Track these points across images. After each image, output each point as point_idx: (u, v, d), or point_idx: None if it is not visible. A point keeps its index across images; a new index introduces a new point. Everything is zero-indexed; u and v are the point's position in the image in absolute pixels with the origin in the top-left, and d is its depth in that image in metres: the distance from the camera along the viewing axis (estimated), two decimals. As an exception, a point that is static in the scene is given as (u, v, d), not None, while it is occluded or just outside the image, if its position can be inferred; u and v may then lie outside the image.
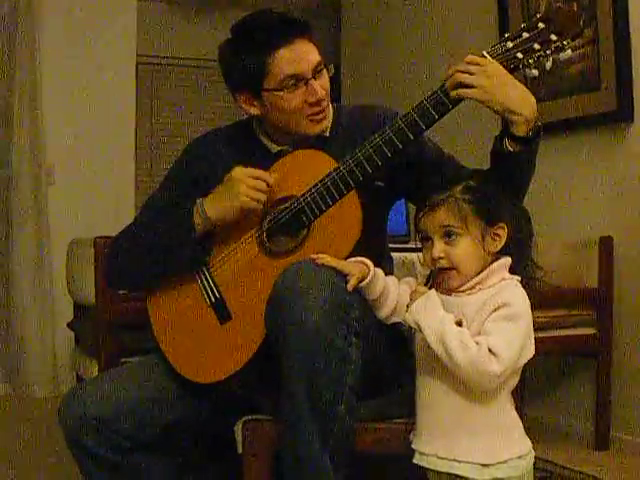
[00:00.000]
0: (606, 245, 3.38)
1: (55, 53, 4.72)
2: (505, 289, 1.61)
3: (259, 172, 1.87)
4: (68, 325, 3.52)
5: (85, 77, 4.79)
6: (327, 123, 1.96)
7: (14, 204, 4.63)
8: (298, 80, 1.88)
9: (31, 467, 3.12)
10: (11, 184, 4.63)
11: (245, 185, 1.84)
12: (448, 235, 1.63)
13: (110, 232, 2.66)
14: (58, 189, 4.76)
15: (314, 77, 1.89)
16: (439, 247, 1.64)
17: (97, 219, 4.49)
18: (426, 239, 1.67)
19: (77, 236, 3.38)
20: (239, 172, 1.87)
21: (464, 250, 1.63)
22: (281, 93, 1.88)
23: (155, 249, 1.94)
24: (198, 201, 1.90)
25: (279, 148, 1.99)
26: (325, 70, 1.93)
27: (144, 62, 5.48)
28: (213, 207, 1.88)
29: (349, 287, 1.68)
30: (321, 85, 1.90)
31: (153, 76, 5.78)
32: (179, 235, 1.90)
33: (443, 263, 1.63)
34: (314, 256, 1.71)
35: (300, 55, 1.88)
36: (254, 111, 1.96)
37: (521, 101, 1.69)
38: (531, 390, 3.67)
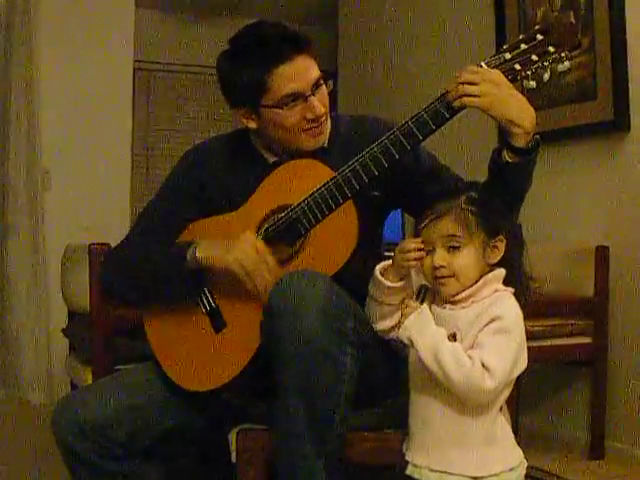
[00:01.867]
0: (602, 254, 3.38)
1: (52, 59, 4.72)
2: (498, 302, 1.61)
3: (267, 252, 1.82)
4: (63, 332, 3.50)
5: (82, 83, 4.79)
6: (324, 138, 1.95)
7: (9, 210, 4.62)
8: (297, 97, 1.87)
9: (25, 473, 3.11)
10: (7, 189, 4.63)
11: (245, 252, 1.81)
12: (451, 245, 1.63)
13: (106, 239, 2.65)
14: (54, 195, 4.75)
15: (313, 93, 1.88)
16: (441, 256, 1.63)
17: (93, 225, 4.48)
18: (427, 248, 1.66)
19: (72, 242, 3.37)
20: (249, 237, 1.84)
21: (466, 260, 1.63)
22: (280, 111, 1.87)
23: (149, 284, 1.95)
24: (195, 242, 1.89)
25: (275, 159, 1.98)
26: (324, 85, 1.92)
27: (141, 68, 5.48)
28: (204, 251, 1.87)
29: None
30: (320, 101, 1.89)
31: (150, 82, 5.78)
32: (172, 273, 1.89)
33: (444, 272, 1.63)
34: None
35: (300, 72, 1.86)
36: (252, 125, 1.96)
37: (521, 113, 1.69)
38: (526, 399, 3.66)
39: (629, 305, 3.39)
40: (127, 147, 5.04)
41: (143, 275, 1.95)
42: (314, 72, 1.89)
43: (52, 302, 4.53)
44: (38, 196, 4.67)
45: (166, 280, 1.91)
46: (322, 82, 1.91)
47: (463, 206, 1.64)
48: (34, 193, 4.65)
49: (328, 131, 1.99)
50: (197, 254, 1.87)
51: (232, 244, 1.83)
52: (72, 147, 4.77)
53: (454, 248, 1.63)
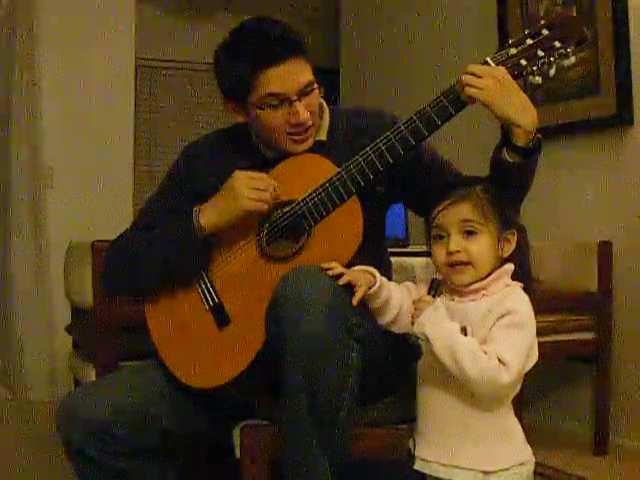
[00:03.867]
0: (605, 250, 3.38)
1: (54, 56, 4.71)
2: (510, 296, 1.61)
3: (259, 174, 1.86)
4: (66, 329, 3.50)
5: (84, 80, 4.78)
6: (310, 143, 1.93)
7: (12, 207, 4.62)
8: (282, 100, 1.85)
9: (29, 471, 3.11)
10: (9, 187, 4.63)
11: (248, 188, 1.83)
12: (467, 231, 1.62)
13: (108, 236, 2.64)
14: (56, 192, 4.75)
15: (300, 98, 1.86)
16: (456, 241, 1.63)
17: (95, 222, 4.47)
18: (440, 236, 1.66)
19: (75, 239, 3.37)
20: (239, 176, 1.86)
21: (482, 247, 1.62)
22: (261, 112, 1.87)
23: (154, 256, 1.92)
24: (195, 209, 1.88)
25: (274, 155, 1.97)
26: (316, 90, 1.90)
27: (142, 65, 5.48)
28: (212, 215, 1.86)
29: (355, 299, 1.67)
30: (307, 106, 1.87)
31: (151, 79, 5.77)
32: (179, 242, 1.88)
33: (460, 257, 1.62)
34: (325, 265, 1.70)
35: (287, 76, 1.84)
36: (240, 119, 1.96)
37: (523, 112, 1.69)
38: (530, 395, 3.66)
39: (632, 300, 3.39)
40: (129, 144, 5.04)
41: (147, 254, 1.93)
42: (303, 77, 1.86)
43: (55, 299, 4.53)
44: (41, 193, 4.66)
45: (175, 252, 1.89)
46: (313, 87, 1.89)
47: (480, 194, 1.64)
48: (37, 190, 4.65)
49: (327, 122, 1.98)
50: (202, 223, 1.86)
51: (233, 194, 1.84)
52: (74, 144, 4.76)
53: (470, 233, 1.62)
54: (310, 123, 1.90)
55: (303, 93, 1.86)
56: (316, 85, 1.89)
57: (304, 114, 1.86)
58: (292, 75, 1.84)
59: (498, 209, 1.64)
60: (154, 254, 1.92)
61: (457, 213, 1.63)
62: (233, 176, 1.86)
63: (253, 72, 1.84)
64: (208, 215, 1.87)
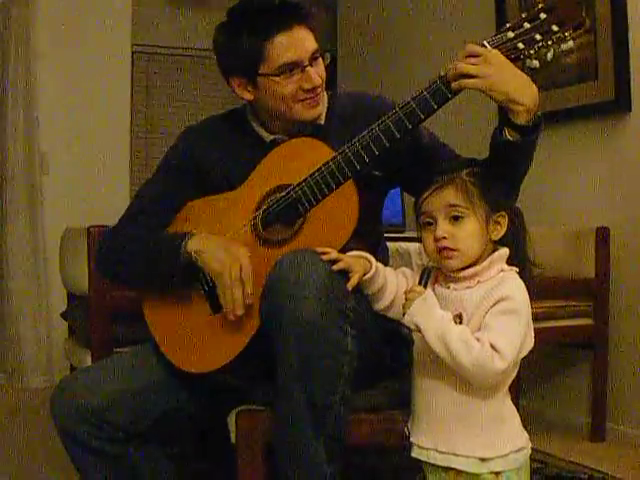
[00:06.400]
0: (603, 235, 3.37)
1: (50, 41, 4.70)
2: (504, 282, 1.60)
3: (250, 276, 1.79)
4: (62, 315, 3.50)
5: (80, 65, 4.77)
6: (321, 109, 1.95)
7: (8, 193, 4.62)
8: (295, 67, 1.86)
9: (25, 457, 3.11)
10: (5, 173, 4.62)
11: (233, 267, 1.79)
12: (454, 216, 1.62)
13: (104, 221, 2.65)
14: (52, 178, 4.74)
15: (311, 64, 1.88)
16: (443, 227, 1.62)
17: (91, 208, 4.47)
18: (428, 223, 1.65)
19: (71, 225, 3.36)
20: (243, 253, 1.81)
21: (469, 231, 1.61)
22: (277, 79, 1.87)
23: (144, 274, 1.94)
24: (190, 233, 1.87)
25: (272, 137, 1.97)
26: (321, 58, 1.92)
27: (139, 51, 5.46)
28: (196, 244, 1.85)
29: (350, 285, 1.67)
30: (317, 72, 1.89)
31: (148, 65, 5.75)
32: (167, 265, 1.87)
33: (446, 243, 1.61)
34: (319, 249, 1.69)
35: (298, 42, 1.86)
36: (247, 96, 1.95)
37: (523, 90, 1.67)
38: (527, 381, 3.67)
39: (629, 286, 3.39)
40: (126, 130, 5.03)
41: (138, 266, 1.94)
42: (312, 43, 1.89)
43: (51, 285, 4.53)
44: (37, 180, 4.66)
45: (161, 271, 1.89)
46: (319, 54, 1.91)
47: (465, 177, 1.63)
48: (32, 177, 4.65)
49: (325, 106, 1.98)
50: (187, 247, 1.85)
51: (223, 250, 1.82)
52: (70, 131, 4.76)
53: (456, 218, 1.62)
54: (321, 89, 1.91)
55: (313, 59, 1.88)
56: (319, 54, 1.91)
57: (317, 78, 1.88)
58: (302, 41, 1.87)
59: (485, 192, 1.63)
60: (142, 272, 1.94)
61: (442, 198, 1.63)
62: (240, 250, 1.82)
63: (263, 42, 1.85)
64: (193, 242, 1.86)
